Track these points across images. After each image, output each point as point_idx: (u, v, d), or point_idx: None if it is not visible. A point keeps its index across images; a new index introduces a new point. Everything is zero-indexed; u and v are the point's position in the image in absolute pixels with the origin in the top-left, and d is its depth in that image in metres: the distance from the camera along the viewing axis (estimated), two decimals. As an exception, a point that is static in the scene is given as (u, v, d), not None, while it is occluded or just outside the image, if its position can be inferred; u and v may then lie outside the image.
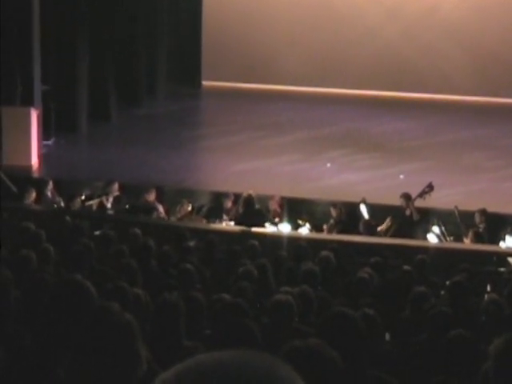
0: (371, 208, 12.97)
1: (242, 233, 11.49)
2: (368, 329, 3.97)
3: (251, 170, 15.51)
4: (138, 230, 9.75)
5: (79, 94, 17.79)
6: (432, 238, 12.49)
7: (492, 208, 12.84)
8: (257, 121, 18.88)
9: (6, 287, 4.49)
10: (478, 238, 11.92)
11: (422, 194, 12.88)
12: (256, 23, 22.12)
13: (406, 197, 12.84)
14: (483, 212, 12.58)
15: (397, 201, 12.94)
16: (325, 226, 12.94)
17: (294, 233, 12.46)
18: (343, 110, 20.00)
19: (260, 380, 1.36)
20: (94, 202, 13.43)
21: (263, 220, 12.61)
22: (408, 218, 12.78)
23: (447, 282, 8.46)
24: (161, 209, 13.29)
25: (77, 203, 13.17)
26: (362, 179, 15.12)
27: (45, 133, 16.49)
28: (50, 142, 16.88)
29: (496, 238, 12.35)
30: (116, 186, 13.59)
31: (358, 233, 12.47)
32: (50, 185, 13.55)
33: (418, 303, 7.01)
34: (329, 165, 16.11)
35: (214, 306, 5.86)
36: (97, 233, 10.56)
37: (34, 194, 12.99)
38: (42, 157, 16.00)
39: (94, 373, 3.07)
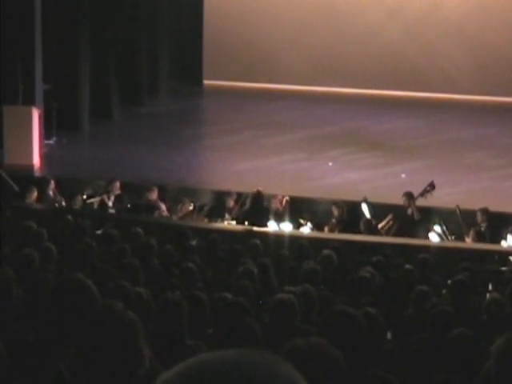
0: (373, 207, 12.97)
1: (244, 232, 11.49)
2: (370, 328, 3.97)
3: (253, 168, 15.51)
4: (139, 229, 9.75)
5: (81, 92, 17.80)
6: (434, 237, 12.49)
7: (494, 207, 12.83)
8: (258, 120, 18.88)
9: (8, 286, 4.49)
10: (479, 237, 11.92)
11: (423, 193, 12.88)
12: (257, 22, 22.12)
13: (408, 196, 12.85)
14: (485, 211, 12.57)
15: (398, 200, 12.95)
16: (326, 225, 12.94)
17: (295, 232, 12.46)
18: (345, 109, 19.99)
19: (262, 379, 1.36)
20: (95, 201, 13.44)
21: (268, 219, 12.62)
22: (410, 217, 12.78)
23: (449, 281, 8.46)
24: (163, 207, 13.28)
25: (78, 202, 13.17)
26: (363, 178, 15.12)
27: (46, 132, 16.50)
28: (51, 141, 16.88)
29: (498, 237, 12.34)
30: (117, 184, 13.60)
31: (360, 232, 12.47)
32: (52, 184, 13.55)
33: (420, 302, 7.02)
34: (330, 164, 16.11)
35: (216, 305, 5.86)
36: (98, 232, 10.56)
37: (35, 193, 13.00)
38: (43, 156, 16.01)
39: (97, 371, 3.07)
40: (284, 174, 15.25)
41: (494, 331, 5.65)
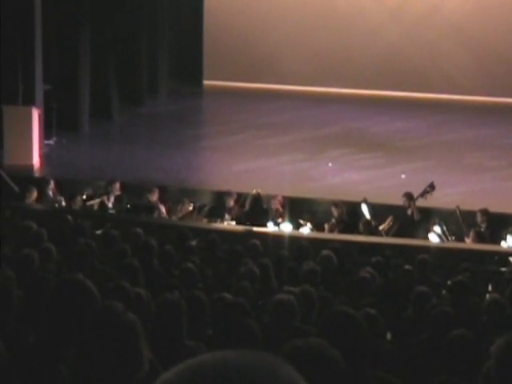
0: (373, 207, 12.97)
1: (244, 232, 11.49)
2: (369, 328, 3.97)
3: (253, 169, 15.51)
4: (139, 230, 9.74)
5: (81, 93, 17.80)
6: (433, 238, 12.49)
7: (494, 208, 12.84)
8: (258, 120, 18.88)
9: (8, 286, 4.49)
10: (479, 238, 11.92)
11: (423, 194, 12.88)
12: (257, 23, 22.13)
13: (408, 196, 12.85)
14: (485, 212, 12.57)
15: (398, 200, 12.95)
16: (326, 226, 12.94)
17: (295, 232, 12.46)
18: (345, 110, 20.00)
19: (262, 380, 1.36)
20: (95, 202, 13.44)
21: (267, 220, 12.62)
22: (409, 218, 12.79)
23: (449, 282, 8.46)
24: (163, 209, 13.26)
25: (78, 202, 13.17)
26: (363, 179, 15.12)
27: (46, 132, 16.50)
28: (51, 141, 16.88)
29: (497, 238, 12.34)
30: (117, 185, 13.59)
31: (360, 232, 12.48)
32: (52, 184, 13.55)
33: (420, 303, 7.01)
34: (330, 164, 16.11)
35: (216, 306, 5.86)
36: (98, 232, 10.56)
37: (35, 194, 13.00)
38: (43, 156, 16.01)
39: (97, 372, 3.07)
40: (284, 175, 15.25)
41: (494, 332, 5.65)
